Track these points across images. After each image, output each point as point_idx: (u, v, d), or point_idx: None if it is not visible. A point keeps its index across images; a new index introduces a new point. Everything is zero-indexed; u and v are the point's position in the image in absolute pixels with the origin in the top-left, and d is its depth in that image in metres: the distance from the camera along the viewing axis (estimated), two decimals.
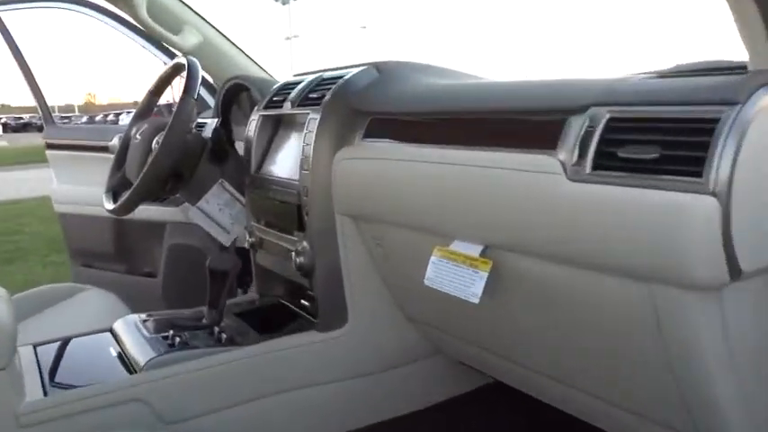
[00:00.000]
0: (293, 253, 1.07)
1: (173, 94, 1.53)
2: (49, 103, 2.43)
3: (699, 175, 0.55)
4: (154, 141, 1.32)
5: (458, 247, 0.79)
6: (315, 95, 1.10)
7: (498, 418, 1.20)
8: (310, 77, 1.17)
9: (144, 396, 0.91)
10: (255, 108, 1.32)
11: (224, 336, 1.07)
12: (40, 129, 2.44)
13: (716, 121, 0.56)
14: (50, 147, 2.36)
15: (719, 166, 0.55)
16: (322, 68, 1.23)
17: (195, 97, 1.28)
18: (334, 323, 1.07)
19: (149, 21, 1.61)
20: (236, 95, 1.60)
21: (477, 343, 0.99)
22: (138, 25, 1.64)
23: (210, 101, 1.99)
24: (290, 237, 1.12)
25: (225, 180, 1.40)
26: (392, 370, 1.13)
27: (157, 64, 2.08)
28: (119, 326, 1.15)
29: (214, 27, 1.79)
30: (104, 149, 2.13)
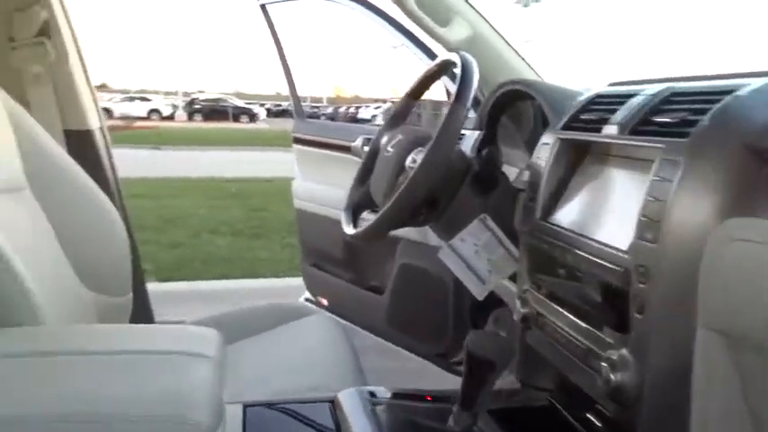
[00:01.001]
0: (604, 364, 0.68)
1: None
2: (301, 94, 2.44)
3: None
4: (409, 158, 1.05)
5: None
6: (667, 119, 0.69)
7: None
8: (651, 90, 0.76)
9: None
10: (550, 126, 0.95)
11: None
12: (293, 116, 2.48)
13: None
14: (297, 141, 2.36)
15: None
16: (664, 77, 0.82)
17: (468, 107, 0.98)
18: None
19: (416, 9, 1.36)
20: (510, 105, 1.26)
21: None
22: (405, 14, 1.40)
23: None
24: (595, 332, 0.73)
25: (488, 215, 1.08)
26: None
27: (410, 62, 1.86)
28: (345, 400, 0.89)
29: (486, 20, 1.47)
30: (347, 149, 2.02)
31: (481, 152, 1.11)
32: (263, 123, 24.15)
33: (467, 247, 1.10)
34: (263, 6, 2.29)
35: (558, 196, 0.88)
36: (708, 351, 0.61)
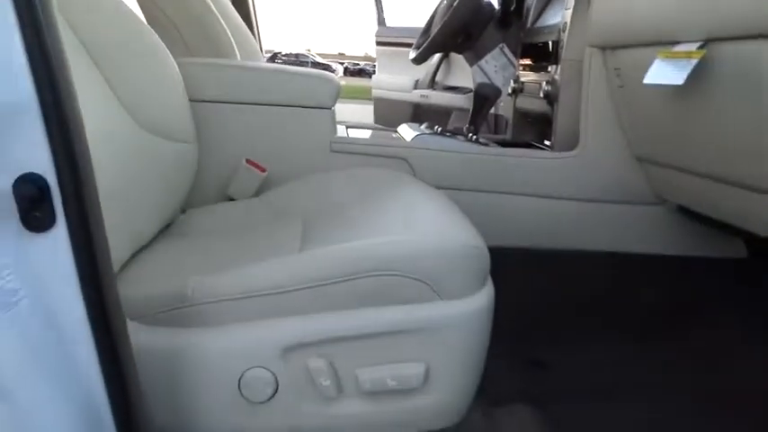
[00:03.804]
0: (543, 82, 1.28)
1: None
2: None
3: None
4: (455, 3, 1.64)
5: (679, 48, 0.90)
6: None
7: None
8: None
9: (408, 157, 1.24)
10: None
11: (478, 140, 1.36)
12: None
13: None
14: (379, 44, 2.91)
15: None
16: None
17: None
18: (566, 146, 1.25)
19: None
20: None
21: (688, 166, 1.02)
22: None
23: None
24: (545, 72, 1.33)
25: (505, 45, 1.66)
26: (615, 204, 1.23)
27: None
28: (401, 126, 1.54)
29: None
30: None
31: (503, 4, 1.69)
32: (340, 80, 24.97)
33: (489, 66, 1.69)
34: None
35: (542, 12, 1.46)
36: (590, 59, 1.20)
